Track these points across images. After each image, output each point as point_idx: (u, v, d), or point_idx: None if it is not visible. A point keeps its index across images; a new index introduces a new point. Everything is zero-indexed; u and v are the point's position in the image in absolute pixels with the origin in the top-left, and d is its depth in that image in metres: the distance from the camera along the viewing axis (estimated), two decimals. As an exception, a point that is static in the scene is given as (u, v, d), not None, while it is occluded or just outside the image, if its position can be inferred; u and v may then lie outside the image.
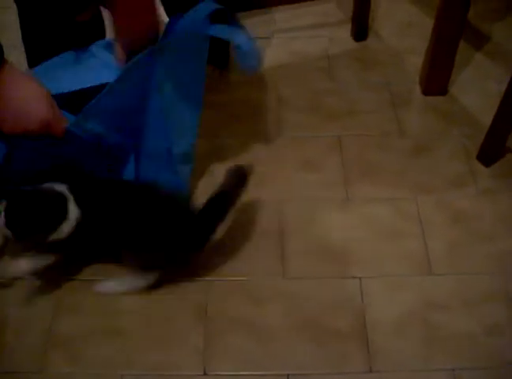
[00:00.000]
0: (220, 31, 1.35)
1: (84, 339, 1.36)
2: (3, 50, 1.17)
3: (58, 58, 1.48)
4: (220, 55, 1.90)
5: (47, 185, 1.28)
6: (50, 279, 1.45)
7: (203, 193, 1.51)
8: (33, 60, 1.58)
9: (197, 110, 1.46)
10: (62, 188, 1.28)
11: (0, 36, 1.23)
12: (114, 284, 1.43)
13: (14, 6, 1.54)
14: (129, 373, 1.32)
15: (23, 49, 1.61)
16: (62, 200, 1.27)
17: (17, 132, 1.21)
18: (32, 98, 1.21)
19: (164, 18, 1.50)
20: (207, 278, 1.46)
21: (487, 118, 1.65)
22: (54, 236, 1.26)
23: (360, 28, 2.07)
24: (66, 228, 1.26)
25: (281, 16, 2.18)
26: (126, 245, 1.36)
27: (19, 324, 1.39)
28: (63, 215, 1.26)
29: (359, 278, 1.45)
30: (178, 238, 1.36)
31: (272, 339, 1.36)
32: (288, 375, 1.30)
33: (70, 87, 1.38)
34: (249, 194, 1.61)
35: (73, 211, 1.27)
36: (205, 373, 1.32)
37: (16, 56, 1.51)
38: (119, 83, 1.32)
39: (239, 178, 1.42)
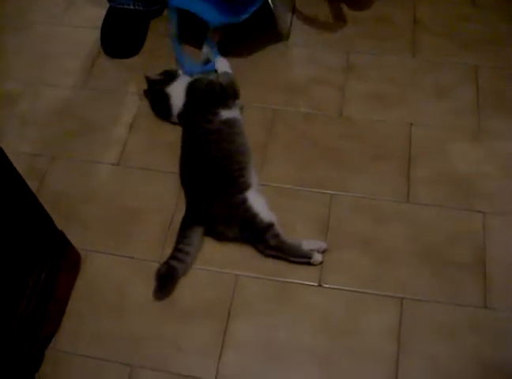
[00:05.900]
0: None
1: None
2: None
3: None
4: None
5: None
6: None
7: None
8: None
9: None
10: None
11: None
12: None
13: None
14: (245, 274, 1.35)
15: None
16: None
17: None
18: None
19: None
20: (331, 191, 1.45)
21: None
22: None
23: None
24: None
25: None
26: None
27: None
28: None
29: (484, 213, 1.40)
30: None
31: (390, 261, 1.35)
32: (402, 298, 1.30)
33: None
34: (378, 114, 1.58)
35: None
36: (319, 285, 1.33)
37: None
38: None
39: None
